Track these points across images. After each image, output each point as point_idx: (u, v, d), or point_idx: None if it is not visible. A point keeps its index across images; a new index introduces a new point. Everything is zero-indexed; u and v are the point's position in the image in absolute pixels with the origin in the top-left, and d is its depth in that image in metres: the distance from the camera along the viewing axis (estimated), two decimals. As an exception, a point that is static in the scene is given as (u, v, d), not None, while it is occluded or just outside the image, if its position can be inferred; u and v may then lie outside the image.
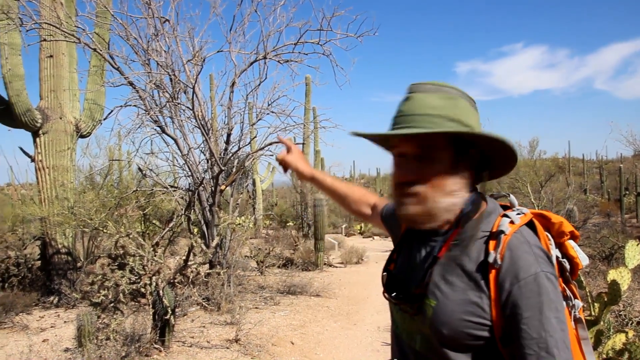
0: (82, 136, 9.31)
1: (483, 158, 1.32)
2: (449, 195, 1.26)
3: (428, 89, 1.27)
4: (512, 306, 1.14)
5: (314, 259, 12.74)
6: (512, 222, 1.25)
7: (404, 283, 1.35)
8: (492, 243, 1.22)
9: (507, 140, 1.23)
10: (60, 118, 8.95)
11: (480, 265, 1.21)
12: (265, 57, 7.84)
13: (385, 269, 1.44)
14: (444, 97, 1.25)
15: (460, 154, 1.27)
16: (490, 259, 1.19)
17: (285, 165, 1.95)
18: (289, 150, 1.96)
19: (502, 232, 1.22)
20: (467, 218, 1.28)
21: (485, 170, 1.34)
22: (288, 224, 21.69)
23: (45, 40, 7.63)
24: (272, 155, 8.56)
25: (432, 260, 1.28)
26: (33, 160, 9.36)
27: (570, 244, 1.35)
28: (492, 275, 1.18)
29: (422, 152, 1.25)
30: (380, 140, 1.42)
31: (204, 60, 7.31)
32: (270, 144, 8.12)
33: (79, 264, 9.44)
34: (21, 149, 9.60)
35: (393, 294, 1.35)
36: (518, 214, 1.29)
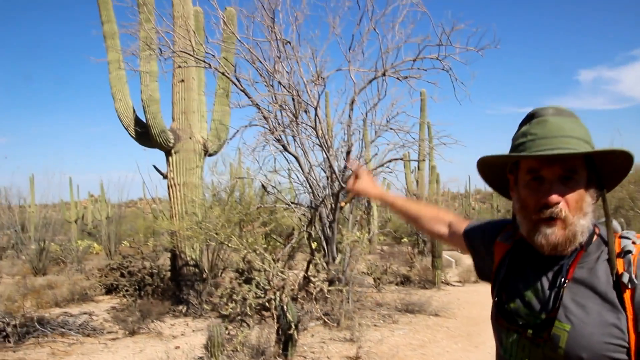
0: (209, 155, 9.86)
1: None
2: (586, 217, 1.27)
3: (557, 112, 1.30)
4: None
5: (431, 276, 12.46)
6: (634, 243, 1.25)
7: (526, 309, 1.32)
8: (620, 262, 1.22)
9: (632, 155, 1.26)
10: (190, 138, 9.55)
11: (613, 285, 1.21)
12: (384, 74, 7.85)
13: (495, 295, 1.42)
14: (574, 120, 1.29)
15: (592, 174, 1.29)
16: (625, 279, 1.19)
17: (355, 194, 1.99)
18: (357, 176, 1.99)
19: (629, 251, 1.22)
20: (590, 239, 1.29)
21: (604, 189, 1.34)
22: (403, 240, 21.45)
23: (179, 67, 8.21)
24: (391, 172, 8.52)
25: (560, 284, 1.26)
26: (165, 177, 10.05)
27: None
28: (627, 295, 1.18)
29: (566, 174, 1.26)
30: (496, 165, 1.42)
31: (325, 80, 7.47)
32: (390, 161, 8.09)
33: (204, 276, 9.95)
34: (155, 167, 10.35)
35: (513, 321, 1.33)
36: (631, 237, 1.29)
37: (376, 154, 8.74)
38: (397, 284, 12.34)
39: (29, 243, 19.16)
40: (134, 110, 9.75)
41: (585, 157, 1.27)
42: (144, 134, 9.29)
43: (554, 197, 1.24)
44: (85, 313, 8.70)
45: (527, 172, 1.30)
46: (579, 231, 1.25)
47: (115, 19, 9.61)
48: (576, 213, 1.25)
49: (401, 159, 8.79)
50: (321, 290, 5.95)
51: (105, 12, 9.62)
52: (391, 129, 8.51)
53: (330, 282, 8.27)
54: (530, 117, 1.34)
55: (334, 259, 8.10)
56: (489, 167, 1.45)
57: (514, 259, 1.42)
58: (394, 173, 8.93)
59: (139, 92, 9.31)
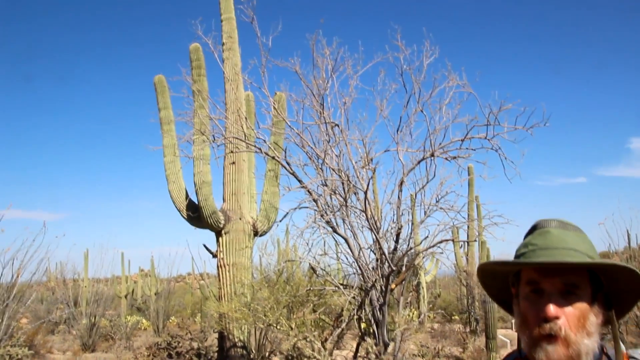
0: (259, 235, 9.94)
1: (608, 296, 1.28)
2: (589, 336, 1.20)
3: (561, 225, 1.29)
4: None
5: (486, 359, 11.89)
6: None
7: None
8: None
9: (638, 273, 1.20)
10: (240, 219, 9.69)
11: None
12: (432, 155, 7.84)
13: None
14: (578, 234, 1.28)
15: (597, 291, 1.23)
16: None
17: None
18: None
19: None
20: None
21: (612, 310, 1.28)
22: (454, 317, 20.70)
23: (232, 152, 8.47)
24: (441, 253, 8.33)
25: None
26: (215, 256, 10.15)
27: None
28: None
29: (567, 288, 1.21)
30: (498, 275, 1.37)
31: (375, 166, 7.52)
32: (441, 241, 7.92)
33: (252, 357, 9.79)
34: (205, 246, 10.48)
35: None
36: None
37: (427, 237, 8.62)
38: (450, 368, 11.81)
39: (80, 318, 19.45)
40: (187, 192, 10.03)
41: (589, 273, 1.22)
42: (196, 215, 9.50)
43: (552, 310, 1.18)
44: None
45: (527, 284, 1.26)
46: (583, 351, 1.18)
47: (172, 105, 10.11)
48: (578, 331, 1.18)
49: (452, 240, 8.61)
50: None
51: (162, 99, 10.13)
52: (441, 208, 8.40)
53: (382, 369, 7.97)
54: (533, 229, 1.33)
55: (384, 343, 7.85)
56: (491, 277, 1.40)
57: None
58: (445, 253, 8.73)
59: (192, 174, 9.62)
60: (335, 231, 7.82)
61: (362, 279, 8.05)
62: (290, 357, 6.12)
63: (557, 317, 1.19)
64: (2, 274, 9.57)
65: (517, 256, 1.30)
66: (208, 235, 10.43)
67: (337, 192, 7.49)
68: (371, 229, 7.75)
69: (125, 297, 29.23)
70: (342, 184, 7.56)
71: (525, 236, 1.35)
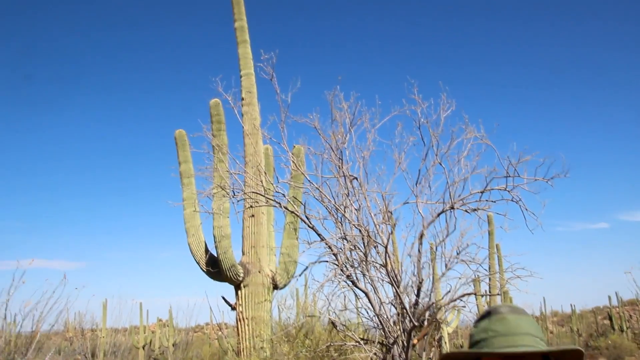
0: (278, 288, 9.87)
1: None
2: None
3: (513, 310, 1.47)
4: None
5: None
6: None
7: None
8: None
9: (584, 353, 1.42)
10: (259, 272, 9.66)
11: None
12: (452, 208, 7.80)
13: None
14: (528, 318, 1.45)
15: None
16: None
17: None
18: None
19: None
20: None
21: None
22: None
23: (251, 207, 8.52)
24: (464, 307, 8.17)
25: None
26: (234, 309, 10.07)
27: None
28: None
29: None
30: None
31: (395, 219, 7.50)
32: (463, 295, 7.79)
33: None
34: (224, 298, 10.43)
35: None
36: None
37: (449, 291, 8.51)
38: None
39: (97, 370, 19.27)
40: (206, 244, 10.06)
41: (544, 354, 1.40)
42: (215, 268, 9.50)
43: None
44: None
45: None
46: None
47: (192, 159, 10.26)
48: None
49: (474, 294, 8.46)
50: None
51: (182, 153, 10.31)
52: (462, 260, 8.29)
53: None
54: (488, 314, 1.49)
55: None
56: None
57: None
58: (467, 306, 8.58)
59: (211, 227, 9.67)
60: (355, 285, 7.74)
61: (383, 333, 7.91)
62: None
63: None
64: (21, 325, 9.62)
65: (477, 341, 1.46)
66: (227, 287, 10.41)
67: (357, 247, 7.46)
68: (392, 283, 7.67)
69: (143, 347, 28.95)
70: (362, 238, 7.54)
71: (479, 320, 1.51)
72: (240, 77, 10.57)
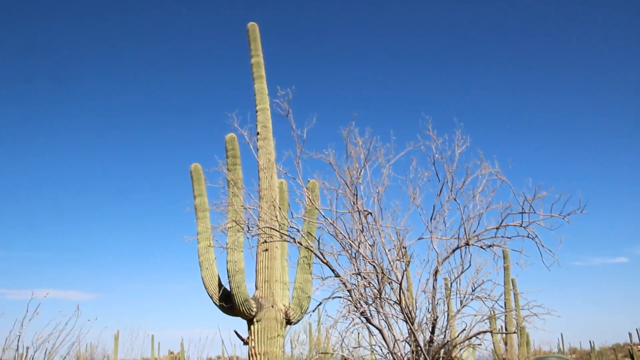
0: (291, 323, 9.80)
1: None
2: None
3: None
4: None
5: None
6: None
7: None
8: None
9: None
10: (272, 307, 9.60)
11: None
12: (467, 244, 7.76)
13: None
14: None
15: None
16: None
17: None
18: None
19: None
20: None
21: None
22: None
23: (265, 242, 8.55)
24: (480, 344, 8.04)
25: None
26: (246, 343, 9.99)
27: None
28: None
29: None
30: None
31: (409, 256, 7.47)
32: (479, 333, 7.68)
33: None
34: (236, 332, 10.35)
35: None
36: None
37: (464, 329, 8.40)
38: None
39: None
40: (219, 278, 10.06)
41: None
42: (228, 303, 9.48)
43: None
44: None
45: None
46: None
47: (207, 193, 10.35)
48: None
49: (490, 332, 8.34)
50: None
51: (198, 187, 10.41)
52: (477, 297, 8.20)
53: None
54: None
55: None
56: None
57: None
58: (483, 344, 8.45)
59: (225, 261, 9.68)
60: (369, 322, 7.67)
61: (397, 371, 7.79)
62: None
63: None
64: (33, 357, 9.62)
65: None
66: (240, 322, 10.36)
67: (371, 283, 7.43)
68: (406, 320, 7.59)
69: (154, 380, 28.67)
70: (376, 274, 7.51)
71: None
72: (256, 111, 10.72)
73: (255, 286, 9.88)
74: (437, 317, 7.87)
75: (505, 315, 9.61)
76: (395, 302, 7.50)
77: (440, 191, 8.15)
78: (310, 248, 7.64)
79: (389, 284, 7.70)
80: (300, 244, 7.68)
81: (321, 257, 7.64)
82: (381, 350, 8.44)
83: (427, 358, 7.33)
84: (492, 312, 8.31)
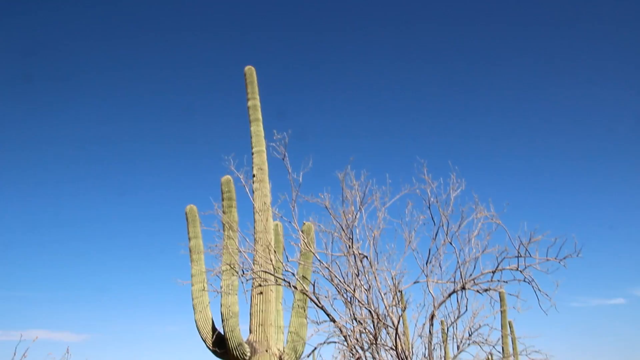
0: (285, 368, 9.62)
1: None
2: None
3: None
4: None
5: None
6: None
7: None
8: None
9: None
10: (266, 351, 9.45)
11: None
12: (463, 288, 7.72)
13: None
14: None
15: None
16: None
17: None
18: None
19: None
20: None
21: None
22: None
23: (260, 285, 8.48)
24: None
25: None
26: (239, 389, 9.77)
27: None
28: None
29: None
30: None
31: (405, 301, 7.41)
32: (476, 379, 7.55)
33: None
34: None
35: None
36: None
37: (462, 376, 8.27)
38: None
39: None
40: (213, 322, 9.92)
41: None
42: (222, 348, 9.33)
43: None
44: None
45: None
46: None
47: (202, 235, 10.31)
48: None
49: (489, 379, 8.21)
50: None
51: (193, 229, 10.37)
52: (474, 342, 8.11)
53: None
54: None
55: None
56: None
57: None
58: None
59: (219, 304, 9.57)
60: (365, 368, 7.55)
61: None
62: None
63: None
64: (20, 402, 9.34)
65: None
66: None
67: (367, 328, 7.34)
68: (403, 367, 7.47)
69: None
70: (372, 319, 7.43)
71: None
72: (252, 154, 10.77)
73: (250, 330, 9.73)
74: (434, 363, 7.76)
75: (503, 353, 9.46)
76: (391, 347, 7.40)
77: (436, 235, 8.14)
78: (306, 292, 7.57)
79: (385, 329, 7.61)
80: (295, 287, 7.61)
81: (316, 301, 7.57)
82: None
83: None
84: (489, 357, 8.21)
